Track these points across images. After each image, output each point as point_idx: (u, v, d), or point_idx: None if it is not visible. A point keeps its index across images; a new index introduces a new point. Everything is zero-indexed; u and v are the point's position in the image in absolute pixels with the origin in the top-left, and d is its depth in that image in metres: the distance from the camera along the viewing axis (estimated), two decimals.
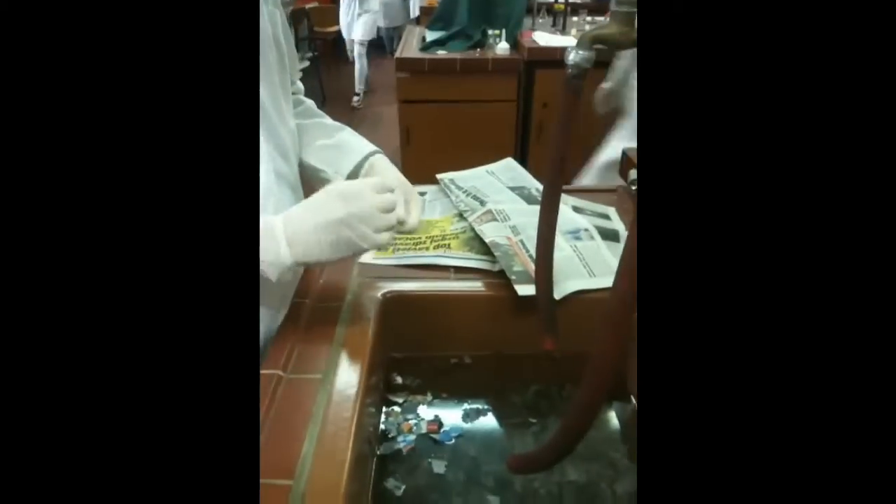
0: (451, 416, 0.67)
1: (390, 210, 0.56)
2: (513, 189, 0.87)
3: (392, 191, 0.58)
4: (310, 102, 0.78)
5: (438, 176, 0.92)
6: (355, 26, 4.37)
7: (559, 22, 2.48)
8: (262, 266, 0.51)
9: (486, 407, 0.68)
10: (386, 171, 0.69)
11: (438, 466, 0.60)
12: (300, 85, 0.77)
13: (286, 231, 0.52)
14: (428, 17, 2.80)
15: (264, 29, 0.61)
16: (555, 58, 2.04)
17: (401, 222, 0.60)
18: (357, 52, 4.44)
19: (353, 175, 0.70)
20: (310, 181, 0.72)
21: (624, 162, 0.87)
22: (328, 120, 0.77)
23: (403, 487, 0.58)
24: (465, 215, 0.80)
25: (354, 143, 0.73)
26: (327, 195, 0.55)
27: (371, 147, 0.72)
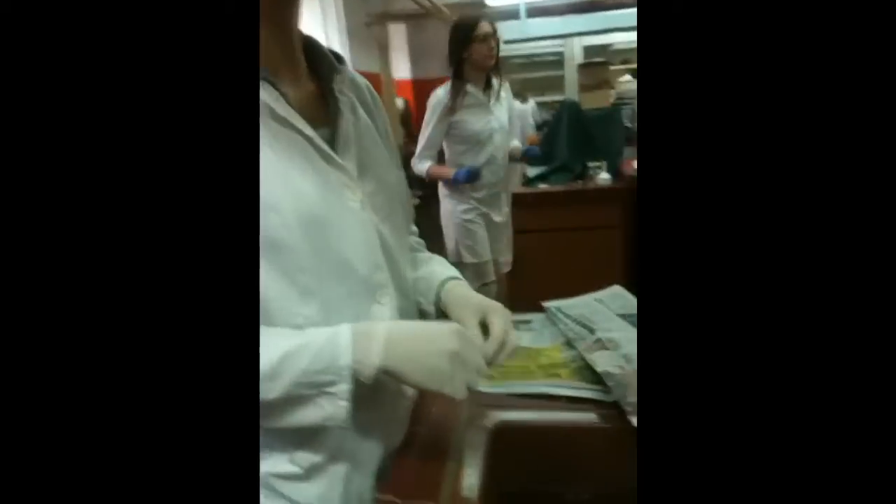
0: None
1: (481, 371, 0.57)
2: (622, 316, 0.86)
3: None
4: (416, 242, 0.85)
5: (545, 304, 0.94)
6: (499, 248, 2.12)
7: None
8: (353, 362, 0.52)
9: None
10: (460, 299, 0.70)
11: None
12: (414, 227, 0.86)
13: (388, 336, 0.54)
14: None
15: (395, 174, 0.70)
16: None
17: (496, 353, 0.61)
18: None
19: (437, 301, 0.72)
20: None
21: None
22: (424, 253, 0.83)
23: None
24: (574, 343, 0.80)
25: (439, 272, 0.76)
26: (442, 326, 0.58)
27: (445, 274, 0.75)
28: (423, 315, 0.76)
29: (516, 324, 0.90)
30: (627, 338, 0.78)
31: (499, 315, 0.67)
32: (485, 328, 0.65)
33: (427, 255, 0.83)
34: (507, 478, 0.69)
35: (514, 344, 0.65)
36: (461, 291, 0.72)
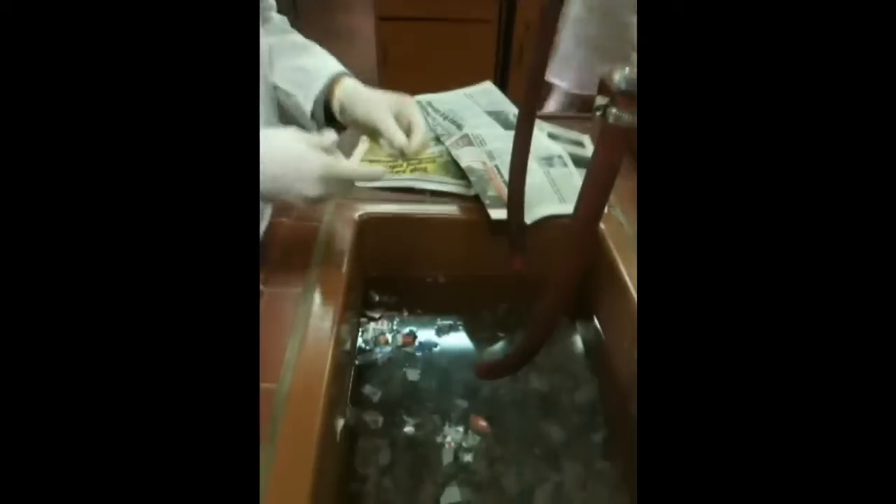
0: (426, 331, 0.71)
1: (328, 175, 0.53)
2: (490, 113, 0.87)
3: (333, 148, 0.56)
4: (279, 18, 0.76)
5: (416, 98, 0.91)
6: None
7: None
8: None
9: (458, 323, 0.72)
10: (368, 97, 0.65)
11: (412, 374, 0.65)
12: (271, 0, 0.75)
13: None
14: None
15: None
16: None
17: (402, 149, 0.59)
18: None
19: (321, 97, 0.67)
20: (284, 104, 0.71)
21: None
22: (298, 37, 0.74)
23: (380, 393, 0.63)
24: (441, 139, 0.81)
25: (321, 65, 0.69)
26: (316, 169, 0.53)
27: (336, 68, 0.68)
28: (295, 109, 0.70)
29: None
30: (493, 134, 0.80)
31: (413, 109, 0.63)
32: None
33: (301, 40, 0.73)
34: (372, 264, 0.74)
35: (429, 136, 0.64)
36: (362, 88, 0.66)
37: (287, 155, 0.53)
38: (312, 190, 0.53)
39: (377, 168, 0.61)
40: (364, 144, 0.83)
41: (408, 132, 0.61)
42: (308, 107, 0.68)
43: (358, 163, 0.77)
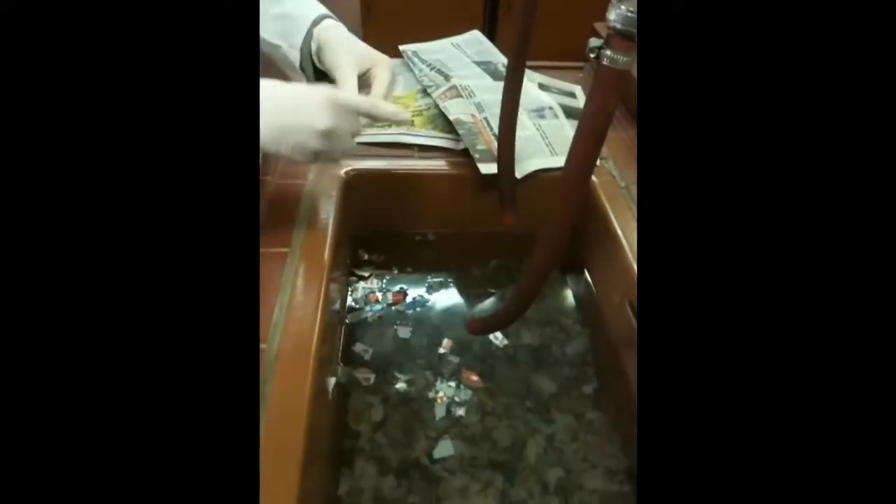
0: (416, 288, 0.70)
1: (336, 102, 0.51)
2: (479, 64, 0.84)
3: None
4: None
5: (401, 48, 0.88)
6: None
7: None
8: None
9: (449, 280, 0.72)
10: (340, 44, 0.60)
11: (404, 332, 0.65)
12: None
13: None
14: None
15: None
16: None
17: (372, 115, 0.55)
18: None
19: (306, 45, 0.62)
20: (270, 57, 0.67)
21: None
22: None
23: (371, 351, 0.63)
24: (429, 91, 0.78)
25: (305, 10, 0.64)
26: (314, 97, 0.50)
27: (317, 11, 0.63)
28: (282, 61, 0.66)
29: None
30: (482, 85, 0.78)
31: (383, 68, 0.59)
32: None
33: None
34: (360, 221, 0.72)
35: (392, 108, 0.56)
36: (341, 34, 0.61)
37: (289, 92, 0.51)
38: (321, 121, 0.49)
39: (393, 107, 0.55)
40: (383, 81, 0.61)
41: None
42: (295, 56, 0.63)
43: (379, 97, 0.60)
